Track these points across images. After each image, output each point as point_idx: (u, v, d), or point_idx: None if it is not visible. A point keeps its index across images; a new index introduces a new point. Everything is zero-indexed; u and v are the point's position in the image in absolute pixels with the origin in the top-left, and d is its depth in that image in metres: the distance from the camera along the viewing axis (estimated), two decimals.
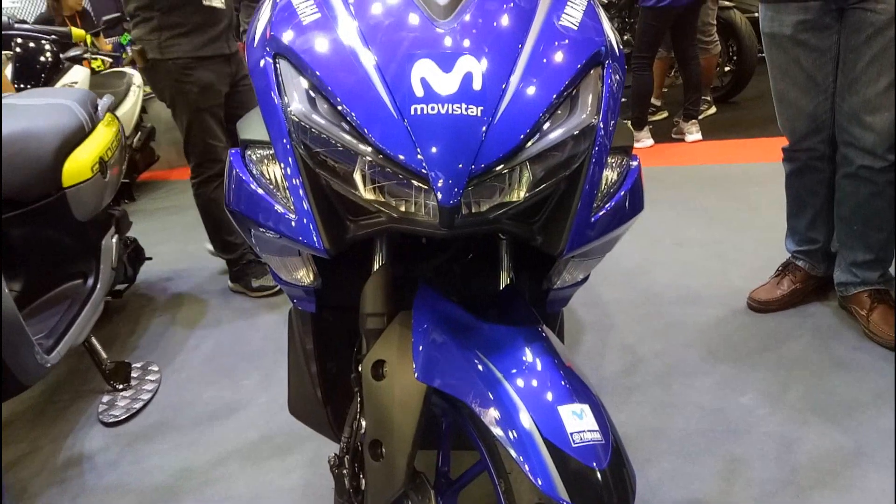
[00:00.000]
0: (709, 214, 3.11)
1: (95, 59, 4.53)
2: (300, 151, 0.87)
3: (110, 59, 4.77)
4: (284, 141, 0.88)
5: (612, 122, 0.92)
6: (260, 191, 0.91)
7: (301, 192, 0.87)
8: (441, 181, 0.80)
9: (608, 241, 0.98)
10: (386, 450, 0.89)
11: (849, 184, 1.97)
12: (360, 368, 0.98)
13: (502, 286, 1.06)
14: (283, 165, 0.89)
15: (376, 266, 1.01)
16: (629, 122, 4.32)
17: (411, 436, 0.86)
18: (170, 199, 4.78)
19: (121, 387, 2.23)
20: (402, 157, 0.81)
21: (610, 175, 0.95)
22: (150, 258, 2.86)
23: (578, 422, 0.81)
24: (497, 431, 0.80)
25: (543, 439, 0.78)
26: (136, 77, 4.53)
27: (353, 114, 0.83)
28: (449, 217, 0.82)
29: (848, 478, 1.52)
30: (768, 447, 1.64)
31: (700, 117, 4.54)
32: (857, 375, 1.85)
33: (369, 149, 0.82)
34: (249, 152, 0.94)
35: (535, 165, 0.85)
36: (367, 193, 0.86)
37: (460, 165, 0.81)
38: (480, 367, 0.86)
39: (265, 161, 0.93)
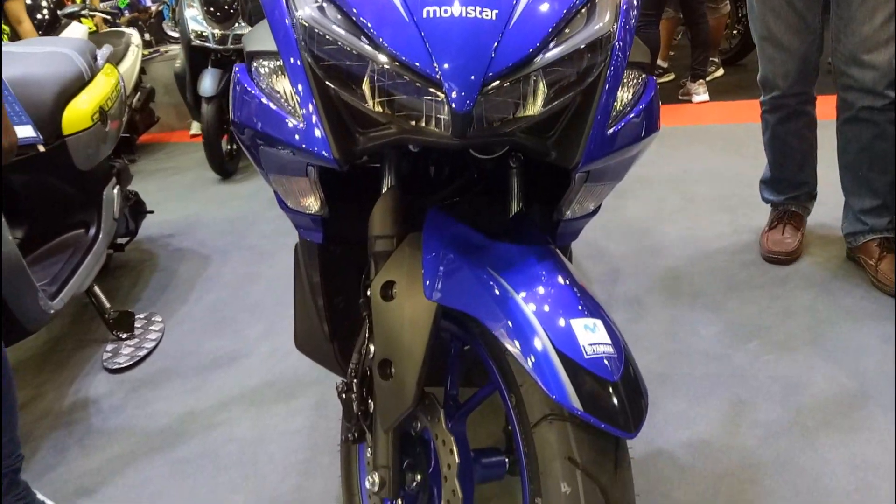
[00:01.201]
0: (717, 171, 3.07)
1: (94, 16, 4.46)
2: (308, 61, 0.85)
3: (109, 17, 4.69)
4: (292, 51, 0.86)
5: (629, 35, 0.90)
6: (269, 103, 0.89)
7: (310, 102, 0.85)
8: (455, 88, 0.78)
9: (622, 160, 0.96)
10: (396, 369, 0.88)
11: (850, 129, 1.95)
12: (368, 293, 0.97)
13: (512, 214, 1.04)
14: (291, 76, 0.86)
15: (385, 189, 0.99)
16: None
17: (421, 354, 0.85)
18: (170, 161, 4.75)
19: (124, 336, 2.23)
20: (417, 63, 0.78)
21: (625, 93, 0.93)
22: (151, 211, 2.84)
23: (591, 335, 0.80)
24: (508, 345, 0.79)
25: (556, 351, 0.77)
26: (135, 37, 4.44)
27: (363, 19, 0.81)
28: (462, 125, 0.80)
29: (854, 419, 1.51)
30: (774, 390, 1.63)
31: (707, 79, 4.48)
32: (864, 323, 1.84)
33: (381, 55, 0.80)
34: (256, 64, 0.92)
35: (550, 78, 0.83)
36: (376, 106, 0.84)
37: (473, 75, 0.78)
38: (493, 285, 0.85)
39: (273, 74, 0.90)
